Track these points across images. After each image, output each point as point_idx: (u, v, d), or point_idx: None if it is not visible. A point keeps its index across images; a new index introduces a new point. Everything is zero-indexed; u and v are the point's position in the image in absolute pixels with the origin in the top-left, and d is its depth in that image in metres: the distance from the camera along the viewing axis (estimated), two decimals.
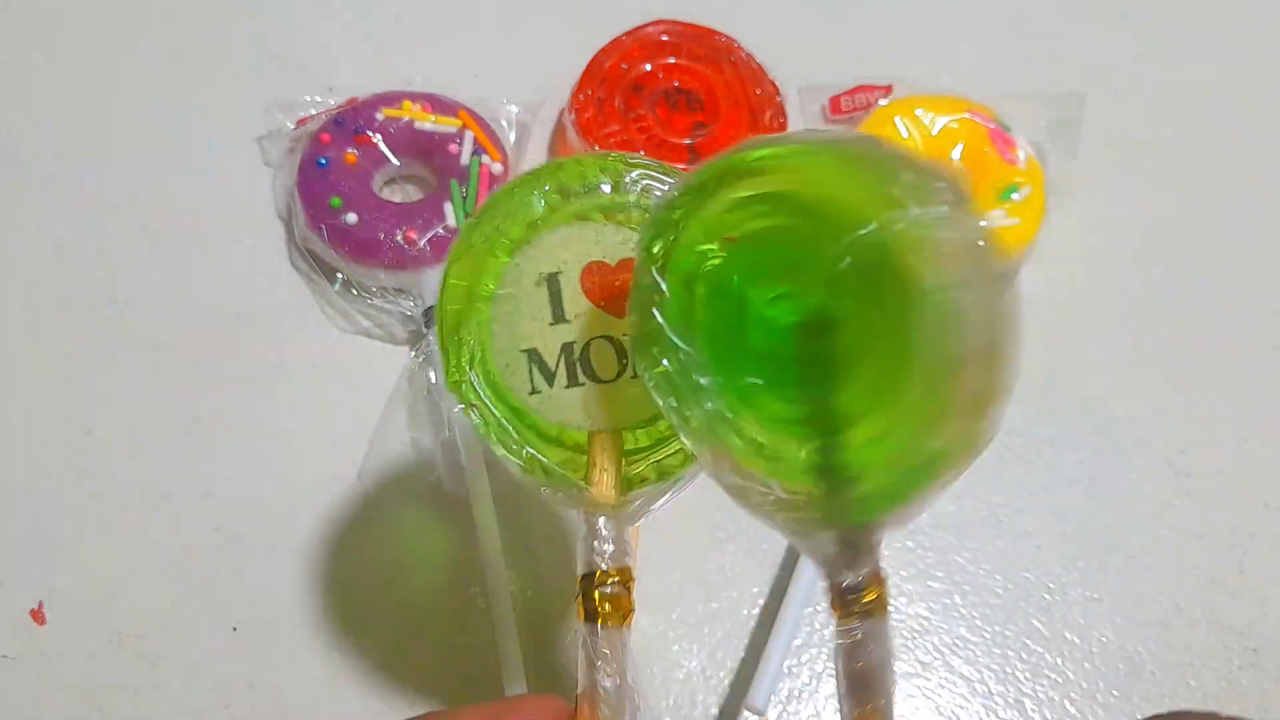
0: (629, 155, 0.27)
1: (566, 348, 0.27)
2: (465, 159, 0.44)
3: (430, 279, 0.43)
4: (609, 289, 0.27)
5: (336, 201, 0.43)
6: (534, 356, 0.27)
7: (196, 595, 0.40)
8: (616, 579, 0.26)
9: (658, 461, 0.28)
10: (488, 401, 0.27)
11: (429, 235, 0.43)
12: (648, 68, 0.47)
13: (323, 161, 0.44)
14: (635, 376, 0.27)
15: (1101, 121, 0.50)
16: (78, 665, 0.39)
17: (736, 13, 0.51)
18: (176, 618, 0.39)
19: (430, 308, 0.42)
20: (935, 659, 0.40)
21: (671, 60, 0.47)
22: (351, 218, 0.43)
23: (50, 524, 0.41)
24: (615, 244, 0.27)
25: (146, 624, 0.39)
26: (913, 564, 0.41)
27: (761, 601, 0.40)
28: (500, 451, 0.27)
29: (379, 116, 0.45)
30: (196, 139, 0.49)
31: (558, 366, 0.27)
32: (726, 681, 0.39)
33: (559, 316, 0.27)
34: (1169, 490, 0.43)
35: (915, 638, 0.40)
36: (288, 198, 0.46)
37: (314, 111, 0.47)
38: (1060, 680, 0.39)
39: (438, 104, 0.46)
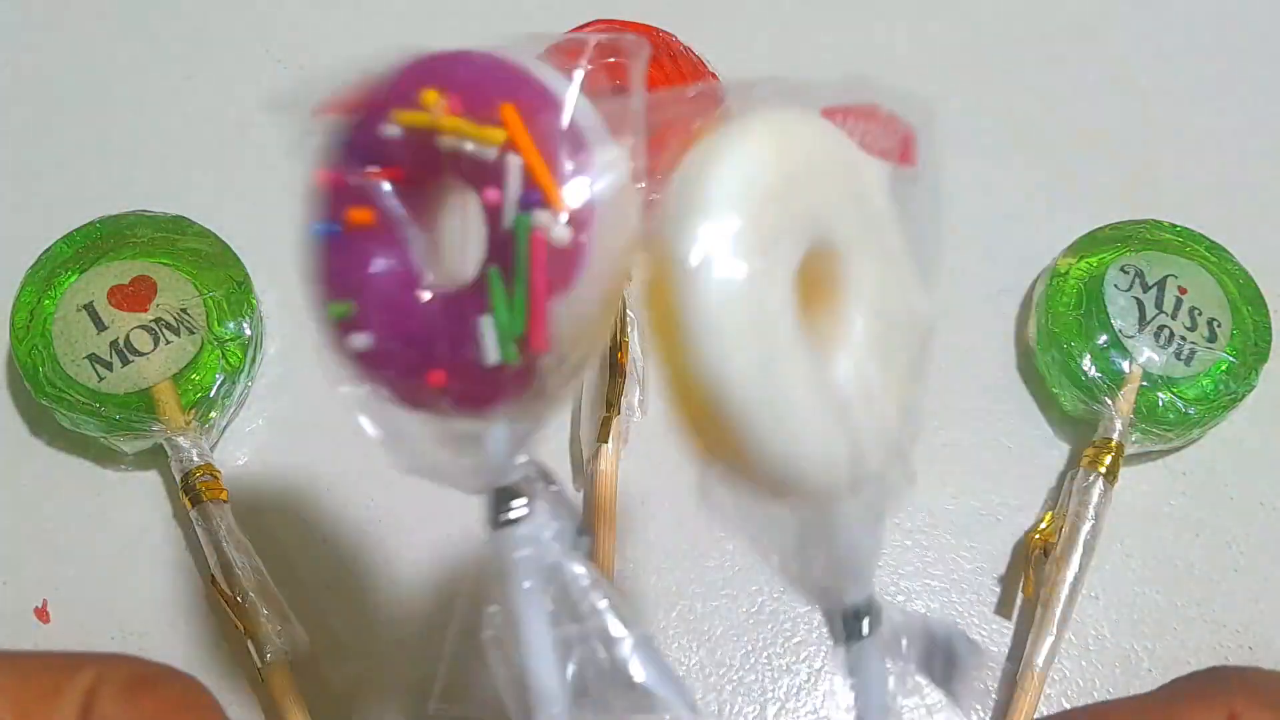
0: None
1: (113, 343, 0.40)
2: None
3: None
4: (128, 296, 0.41)
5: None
6: (93, 358, 0.39)
7: (199, 595, 0.40)
8: (206, 472, 0.39)
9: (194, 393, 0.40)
10: (68, 396, 0.39)
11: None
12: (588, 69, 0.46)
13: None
14: (167, 344, 0.40)
15: None
16: None
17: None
18: (179, 617, 0.40)
19: None
20: None
21: (611, 60, 0.46)
22: None
23: (54, 522, 0.41)
24: (118, 274, 0.41)
25: (149, 623, 0.40)
26: (911, 563, 0.41)
27: (760, 599, 0.40)
28: (93, 428, 0.39)
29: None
30: (199, 141, 0.49)
31: (112, 357, 0.40)
32: (726, 678, 0.39)
33: (101, 326, 0.40)
34: (1165, 488, 0.43)
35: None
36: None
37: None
38: (1057, 678, 0.40)
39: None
